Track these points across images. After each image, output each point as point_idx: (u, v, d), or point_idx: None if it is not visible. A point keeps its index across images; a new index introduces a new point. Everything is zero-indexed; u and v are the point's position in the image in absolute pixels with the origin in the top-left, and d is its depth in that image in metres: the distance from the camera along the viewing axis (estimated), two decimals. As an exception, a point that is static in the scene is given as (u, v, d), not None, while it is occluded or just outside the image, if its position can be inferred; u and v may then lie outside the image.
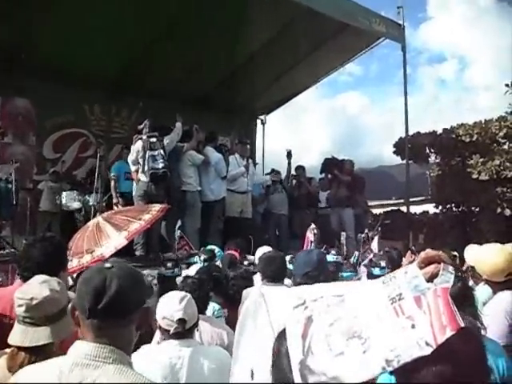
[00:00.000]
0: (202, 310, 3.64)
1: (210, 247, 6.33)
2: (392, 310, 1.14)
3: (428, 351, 1.06)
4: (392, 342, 1.09)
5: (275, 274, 3.77)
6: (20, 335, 2.13)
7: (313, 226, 7.62)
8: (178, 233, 7.05)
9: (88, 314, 1.54)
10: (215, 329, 3.60)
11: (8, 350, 2.17)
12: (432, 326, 1.08)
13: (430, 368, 1.10)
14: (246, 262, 6.46)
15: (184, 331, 2.82)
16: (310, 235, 7.47)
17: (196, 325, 2.98)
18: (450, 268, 1.22)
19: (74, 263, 4.34)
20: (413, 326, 1.10)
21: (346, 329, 1.13)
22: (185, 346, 2.79)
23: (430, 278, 1.20)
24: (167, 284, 4.74)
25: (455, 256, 5.60)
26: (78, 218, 8.66)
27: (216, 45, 10.10)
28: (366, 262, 7.20)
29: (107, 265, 1.61)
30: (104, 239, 4.59)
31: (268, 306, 1.78)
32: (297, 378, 1.11)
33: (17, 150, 10.60)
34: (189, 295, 2.96)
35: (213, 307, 4.22)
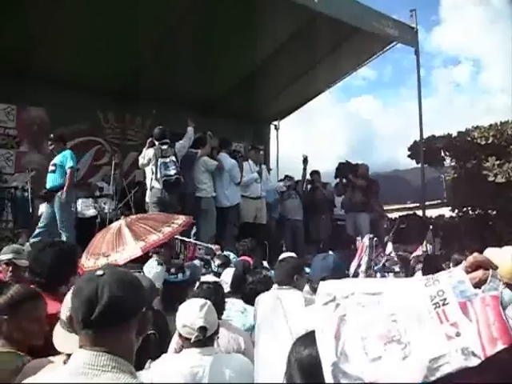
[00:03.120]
0: (218, 315, 3.63)
1: (224, 253, 6.31)
2: (435, 315, 1.07)
3: (475, 362, 0.99)
4: (435, 349, 1.02)
5: (281, 278, 3.76)
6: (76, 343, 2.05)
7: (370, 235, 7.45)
8: (176, 243, 6.90)
9: (82, 325, 1.51)
10: (232, 334, 3.57)
11: (53, 358, 2.12)
12: (480, 336, 1.02)
13: (474, 379, 1.03)
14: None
15: (205, 339, 2.79)
16: (366, 242, 7.24)
17: (217, 332, 2.94)
18: (499, 275, 1.14)
19: (90, 263, 4.36)
20: (458, 334, 1.03)
21: (384, 332, 1.08)
22: (206, 354, 2.75)
23: (477, 284, 1.12)
24: (172, 290, 4.71)
25: None
26: (94, 225, 8.65)
27: (228, 51, 10.12)
28: (379, 266, 7.10)
29: (98, 272, 1.56)
30: (121, 245, 4.58)
31: (285, 310, 1.75)
32: (328, 378, 1.07)
33: (32, 159, 10.69)
34: (209, 302, 2.92)
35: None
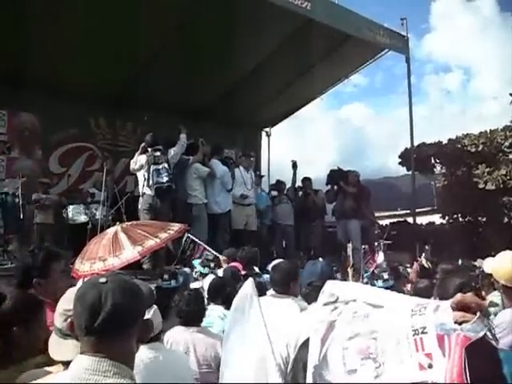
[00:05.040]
0: (197, 322, 3.68)
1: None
2: (412, 341, 1.08)
3: None
4: (406, 376, 1.04)
5: (277, 286, 3.80)
6: (74, 351, 1.81)
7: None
8: (186, 240, 6.96)
9: (85, 332, 1.52)
10: (209, 340, 3.64)
11: (51, 368, 2.00)
12: (446, 372, 1.03)
13: None
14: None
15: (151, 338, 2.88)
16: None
17: (161, 332, 3.04)
18: (486, 321, 1.10)
19: (86, 267, 4.40)
20: (430, 366, 1.06)
21: (364, 348, 1.10)
22: (155, 348, 2.84)
23: (458, 323, 1.10)
24: (164, 296, 4.74)
25: (475, 266, 5.52)
26: (86, 231, 8.59)
27: (220, 57, 10.13)
28: (368, 273, 7.11)
29: (102, 280, 1.57)
30: (118, 250, 4.61)
31: (260, 303, 1.76)
32: (309, 378, 1.10)
33: (23, 165, 10.61)
34: (155, 307, 2.94)
35: None
